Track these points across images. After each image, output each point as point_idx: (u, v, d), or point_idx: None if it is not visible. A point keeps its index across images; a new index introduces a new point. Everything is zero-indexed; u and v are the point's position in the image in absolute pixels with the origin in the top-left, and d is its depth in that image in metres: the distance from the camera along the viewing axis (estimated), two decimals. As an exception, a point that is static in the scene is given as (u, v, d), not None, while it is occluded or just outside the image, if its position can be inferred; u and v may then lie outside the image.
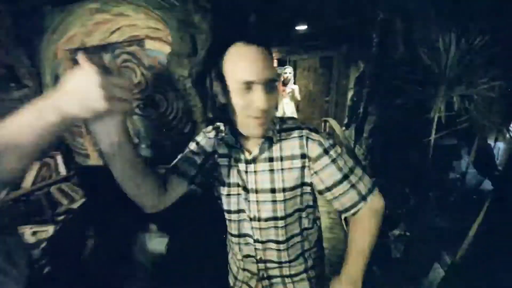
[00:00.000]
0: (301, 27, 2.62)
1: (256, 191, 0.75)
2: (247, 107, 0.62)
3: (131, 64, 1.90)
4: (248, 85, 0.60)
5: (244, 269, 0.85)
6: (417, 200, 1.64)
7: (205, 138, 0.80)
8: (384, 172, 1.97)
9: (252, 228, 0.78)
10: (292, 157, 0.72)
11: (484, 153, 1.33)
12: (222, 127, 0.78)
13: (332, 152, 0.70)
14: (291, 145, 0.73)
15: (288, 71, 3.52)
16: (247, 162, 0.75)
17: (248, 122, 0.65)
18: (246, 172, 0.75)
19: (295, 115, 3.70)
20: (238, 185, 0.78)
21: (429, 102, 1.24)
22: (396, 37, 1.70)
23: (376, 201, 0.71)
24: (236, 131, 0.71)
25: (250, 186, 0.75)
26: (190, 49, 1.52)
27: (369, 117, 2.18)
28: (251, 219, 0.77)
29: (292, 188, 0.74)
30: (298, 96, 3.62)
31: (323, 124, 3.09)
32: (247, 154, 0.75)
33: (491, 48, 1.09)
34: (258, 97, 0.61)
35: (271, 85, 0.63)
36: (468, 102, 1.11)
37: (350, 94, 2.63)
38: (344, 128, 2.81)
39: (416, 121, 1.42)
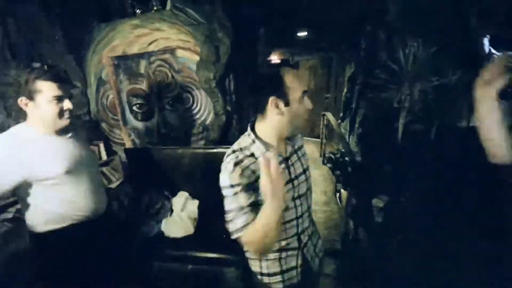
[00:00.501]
0: (302, 33, 3.04)
1: (296, 177, 0.88)
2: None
3: (163, 68, 2.35)
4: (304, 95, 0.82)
5: (287, 249, 0.90)
6: (396, 175, 2.06)
7: (242, 171, 0.78)
8: (370, 155, 2.39)
9: (295, 206, 0.88)
10: (301, 147, 0.97)
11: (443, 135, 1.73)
12: (247, 151, 0.82)
13: None
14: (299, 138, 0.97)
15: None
16: (287, 159, 0.88)
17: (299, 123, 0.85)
18: (288, 166, 0.87)
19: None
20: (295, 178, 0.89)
21: (396, 96, 1.66)
22: (378, 45, 2.10)
23: None
24: (263, 142, 0.83)
25: (293, 175, 0.87)
26: (215, 58, 1.96)
27: (359, 111, 2.59)
28: (294, 199, 0.87)
29: (308, 168, 0.96)
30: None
31: (322, 117, 3.52)
32: (282, 153, 0.87)
33: (439, 56, 1.50)
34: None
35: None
36: (425, 94, 1.53)
37: (344, 91, 3.04)
38: (340, 120, 3.22)
39: (391, 112, 1.83)
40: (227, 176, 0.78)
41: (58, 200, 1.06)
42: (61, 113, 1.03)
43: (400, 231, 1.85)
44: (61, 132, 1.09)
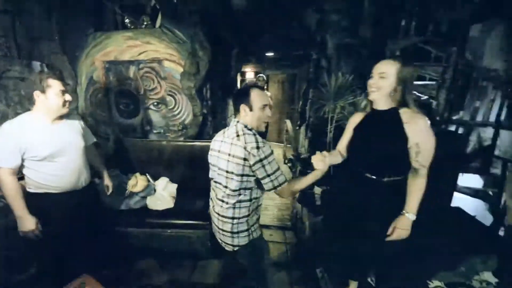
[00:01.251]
0: (270, 54, 3.68)
1: None
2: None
3: (151, 74, 2.78)
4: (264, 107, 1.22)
5: (257, 218, 1.31)
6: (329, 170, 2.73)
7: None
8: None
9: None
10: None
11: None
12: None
13: None
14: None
15: (262, 78, 4.51)
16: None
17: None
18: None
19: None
20: None
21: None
22: (321, 70, 2.81)
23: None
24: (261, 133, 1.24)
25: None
26: (196, 71, 2.47)
27: (310, 119, 3.28)
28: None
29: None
30: (270, 101, 4.64)
31: (285, 123, 4.19)
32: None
33: (353, 82, 2.25)
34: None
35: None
36: (344, 108, 2.24)
37: (300, 103, 3.74)
38: (298, 127, 3.91)
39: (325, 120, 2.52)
40: (267, 148, 1.13)
41: (44, 174, 1.39)
42: (64, 103, 1.42)
43: (331, 210, 2.50)
44: (57, 119, 1.44)
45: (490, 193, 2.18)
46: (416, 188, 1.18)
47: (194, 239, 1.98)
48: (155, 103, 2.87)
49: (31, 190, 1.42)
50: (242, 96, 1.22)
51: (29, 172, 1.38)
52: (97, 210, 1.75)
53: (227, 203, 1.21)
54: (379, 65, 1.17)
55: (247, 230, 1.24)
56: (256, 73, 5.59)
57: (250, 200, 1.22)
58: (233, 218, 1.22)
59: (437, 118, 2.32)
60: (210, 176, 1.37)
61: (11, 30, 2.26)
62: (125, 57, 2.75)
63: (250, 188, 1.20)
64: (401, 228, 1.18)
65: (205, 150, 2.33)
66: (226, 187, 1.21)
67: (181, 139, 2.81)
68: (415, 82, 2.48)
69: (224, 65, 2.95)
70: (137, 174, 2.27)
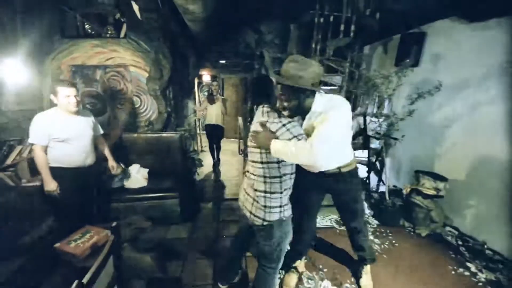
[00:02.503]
0: (222, 61, 4.39)
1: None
2: None
3: (117, 77, 3.21)
4: None
5: None
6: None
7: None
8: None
9: None
10: None
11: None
12: None
13: None
14: None
15: (216, 84, 5.16)
16: None
17: None
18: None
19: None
20: None
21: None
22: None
23: None
24: None
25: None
26: (159, 76, 3.02)
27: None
28: None
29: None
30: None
31: (237, 120, 4.91)
32: None
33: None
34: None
35: None
36: None
37: (249, 102, 4.54)
38: (248, 123, 4.70)
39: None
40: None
41: (61, 152, 1.92)
42: (70, 104, 1.92)
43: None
44: (73, 114, 1.98)
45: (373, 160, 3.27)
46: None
47: (166, 207, 2.57)
48: (121, 103, 3.30)
49: (51, 164, 1.91)
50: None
51: (51, 151, 1.90)
52: (96, 184, 2.29)
53: (258, 176, 1.27)
54: None
55: (279, 206, 1.27)
56: (212, 76, 6.22)
57: (280, 176, 1.25)
58: (265, 192, 1.26)
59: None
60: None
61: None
62: (93, 62, 3.12)
63: (277, 162, 1.23)
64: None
65: (170, 140, 2.94)
66: (254, 161, 1.29)
67: (148, 132, 3.31)
68: (325, 87, 3.50)
69: (183, 71, 3.54)
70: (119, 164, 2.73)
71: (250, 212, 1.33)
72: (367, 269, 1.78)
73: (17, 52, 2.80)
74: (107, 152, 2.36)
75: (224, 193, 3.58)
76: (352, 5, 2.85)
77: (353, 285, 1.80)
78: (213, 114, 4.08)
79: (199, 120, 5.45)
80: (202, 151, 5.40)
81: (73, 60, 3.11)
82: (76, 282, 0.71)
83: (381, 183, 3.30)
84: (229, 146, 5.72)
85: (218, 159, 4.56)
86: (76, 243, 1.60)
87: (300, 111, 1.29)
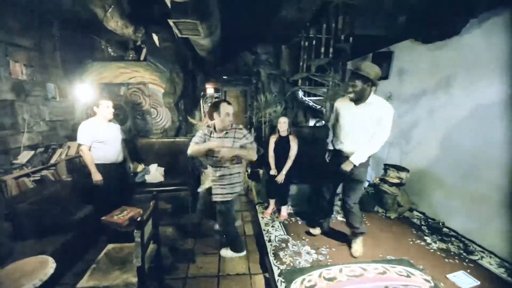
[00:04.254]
0: (225, 76, 5.06)
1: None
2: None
3: (138, 92, 3.85)
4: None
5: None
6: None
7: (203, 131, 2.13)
8: (262, 146, 4.44)
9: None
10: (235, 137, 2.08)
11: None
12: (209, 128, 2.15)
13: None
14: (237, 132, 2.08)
15: (216, 95, 5.82)
16: (222, 137, 2.07)
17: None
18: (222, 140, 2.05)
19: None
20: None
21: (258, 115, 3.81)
22: (258, 90, 4.25)
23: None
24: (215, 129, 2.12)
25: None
26: (173, 91, 3.65)
27: (254, 124, 4.69)
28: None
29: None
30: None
31: (238, 128, 5.56)
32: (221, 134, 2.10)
33: (276, 98, 3.75)
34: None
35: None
36: (271, 114, 3.71)
37: (248, 112, 5.15)
38: (248, 130, 5.33)
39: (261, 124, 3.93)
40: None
41: (101, 152, 2.50)
42: (108, 114, 2.55)
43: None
44: (108, 122, 2.57)
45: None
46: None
47: (180, 198, 3.12)
48: (141, 114, 3.93)
49: (94, 161, 2.49)
50: (216, 107, 2.06)
51: (93, 150, 2.47)
52: (125, 176, 2.85)
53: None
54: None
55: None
56: (215, 89, 6.89)
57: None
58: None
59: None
60: None
61: (36, 61, 3.15)
62: (118, 80, 3.78)
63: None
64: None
65: (181, 144, 3.52)
66: None
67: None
68: (313, 98, 4.11)
69: (192, 87, 4.19)
70: (135, 162, 3.31)
71: None
72: (359, 240, 2.27)
73: (56, 74, 3.47)
74: (126, 154, 2.88)
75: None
76: (329, 30, 3.49)
77: (327, 250, 2.30)
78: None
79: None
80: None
81: (102, 79, 3.77)
82: (152, 201, 1.26)
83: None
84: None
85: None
86: (117, 216, 2.16)
87: (361, 97, 1.93)
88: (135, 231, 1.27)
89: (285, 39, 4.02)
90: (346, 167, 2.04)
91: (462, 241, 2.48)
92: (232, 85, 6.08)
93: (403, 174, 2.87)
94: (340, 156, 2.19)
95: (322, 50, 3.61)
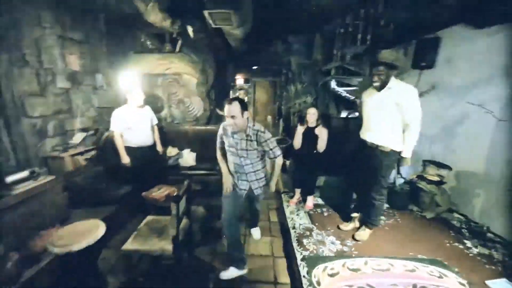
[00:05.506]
0: (255, 67, 5.07)
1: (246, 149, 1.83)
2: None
3: (173, 83, 4.08)
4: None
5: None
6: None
7: (220, 135, 1.96)
8: (289, 136, 4.43)
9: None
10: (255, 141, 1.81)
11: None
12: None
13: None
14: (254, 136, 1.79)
15: (242, 92, 5.87)
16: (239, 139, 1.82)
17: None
18: (242, 143, 1.82)
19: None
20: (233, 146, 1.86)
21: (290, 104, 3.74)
22: (288, 80, 4.19)
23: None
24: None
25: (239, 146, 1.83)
26: (205, 81, 3.79)
27: (283, 114, 4.66)
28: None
29: (255, 150, 1.83)
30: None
31: (267, 118, 5.57)
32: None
33: (306, 89, 3.66)
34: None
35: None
36: (300, 104, 3.65)
37: (277, 103, 5.13)
38: (277, 120, 5.30)
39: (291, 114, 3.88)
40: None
41: (131, 135, 2.71)
42: (139, 100, 2.75)
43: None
44: (139, 107, 2.77)
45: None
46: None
47: (209, 181, 3.29)
48: (175, 103, 4.17)
49: (125, 144, 2.72)
50: (244, 107, 1.77)
51: (125, 134, 2.69)
52: (156, 158, 3.06)
53: None
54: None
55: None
56: (245, 80, 6.97)
57: None
58: None
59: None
60: None
61: (87, 54, 3.51)
62: (156, 71, 4.04)
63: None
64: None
65: (212, 132, 3.67)
66: None
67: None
68: (346, 88, 3.94)
69: (223, 77, 4.30)
70: (170, 147, 3.56)
71: None
72: (367, 229, 2.22)
73: (103, 66, 3.83)
74: (157, 138, 3.05)
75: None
76: (367, 16, 3.28)
77: (353, 242, 2.26)
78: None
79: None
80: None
81: (142, 70, 4.06)
82: (187, 181, 1.39)
83: (399, 176, 3.59)
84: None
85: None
86: (155, 193, 2.37)
87: (385, 83, 1.96)
88: (172, 203, 1.40)
89: (319, 27, 3.89)
90: (405, 163, 2.07)
91: (508, 248, 2.24)
92: (261, 75, 6.10)
93: (444, 172, 2.65)
94: (364, 147, 2.15)
95: (359, 37, 3.42)
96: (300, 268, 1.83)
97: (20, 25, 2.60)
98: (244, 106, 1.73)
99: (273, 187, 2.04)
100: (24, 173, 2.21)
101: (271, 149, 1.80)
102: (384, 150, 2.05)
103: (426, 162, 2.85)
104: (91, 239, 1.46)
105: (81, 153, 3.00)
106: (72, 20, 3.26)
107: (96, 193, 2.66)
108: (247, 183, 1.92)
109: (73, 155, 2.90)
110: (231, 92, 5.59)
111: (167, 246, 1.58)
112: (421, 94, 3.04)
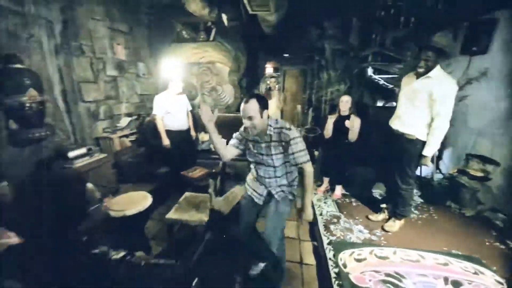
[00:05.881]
0: (286, 55, 4.99)
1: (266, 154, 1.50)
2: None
3: (207, 71, 4.24)
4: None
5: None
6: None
7: (240, 133, 1.63)
8: (319, 126, 4.39)
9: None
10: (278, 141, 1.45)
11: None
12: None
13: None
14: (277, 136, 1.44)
15: (274, 80, 5.80)
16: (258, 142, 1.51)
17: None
18: (261, 147, 1.51)
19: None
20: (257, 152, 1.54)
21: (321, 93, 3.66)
22: (321, 68, 4.09)
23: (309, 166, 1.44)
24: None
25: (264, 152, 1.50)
26: (237, 69, 3.88)
27: (313, 103, 4.59)
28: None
29: (279, 153, 1.48)
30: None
31: (296, 107, 5.51)
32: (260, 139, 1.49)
33: (339, 77, 3.55)
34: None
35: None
36: (332, 93, 3.57)
37: (308, 92, 5.04)
38: (306, 110, 5.23)
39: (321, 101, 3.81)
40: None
41: (170, 119, 2.92)
42: (177, 88, 2.94)
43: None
44: (178, 94, 2.97)
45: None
46: None
47: (239, 167, 3.44)
48: (208, 90, 4.34)
49: (165, 128, 2.95)
50: (265, 105, 1.47)
51: (165, 118, 2.91)
52: (191, 142, 3.29)
53: None
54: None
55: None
56: (275, 69, 6.91)
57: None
58: None
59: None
60: None
61: (131, 44, 3.81)
62: (191, 60, 4.22)
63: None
64: None
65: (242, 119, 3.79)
66: None
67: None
68: (384, 76, 3.73)
69: (254, 65, 4.35)
70: (203, 132, 3.77)
71: None
72: (397, 221, 2.19)
73: (144, 55, 4.12)
74: (191, 123, 3.23)
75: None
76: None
77: (382, 232, 2.23)
78: (270, 108, 4.82)
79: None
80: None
81: (179, 59, 4.27)
82: (221, 162, 1.51)
83: (437, 171, 3.38)
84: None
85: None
86: (192, 173, 2.58)
87: (430, 69, 1.83)
88: (211, 180, 1.55)
89: (357, 10, 3.69)
90: (426, 162, 1.97)
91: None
92: (291, 63, 6.00)
93: (490, 168, 2.44)
94: (392, 135, 2.10)
95: (401, 19, 3.19)
96: (327, 251, 1.89)
97: (78, 18, 2.91)
98: (264, 104, 1.42)
99: (309, 210, 1.51)
100: (83, 150, 2.56)
101: (293, 153, 1.42)
102: (409, 138, 1.98)
103: (470, 156, 2.64)
104: (140, 206, 1.68)
105: (127, 136, 3.34)
106: (119, 12, 3.53)
107: (140, 170, 2.97)
108: (265, 188, 1.59)
109: (120, 137, 3.25)
110: (261, 81, 5.63)
111: (204, 218, 1.77)
112: (468, 81, 2.83)
